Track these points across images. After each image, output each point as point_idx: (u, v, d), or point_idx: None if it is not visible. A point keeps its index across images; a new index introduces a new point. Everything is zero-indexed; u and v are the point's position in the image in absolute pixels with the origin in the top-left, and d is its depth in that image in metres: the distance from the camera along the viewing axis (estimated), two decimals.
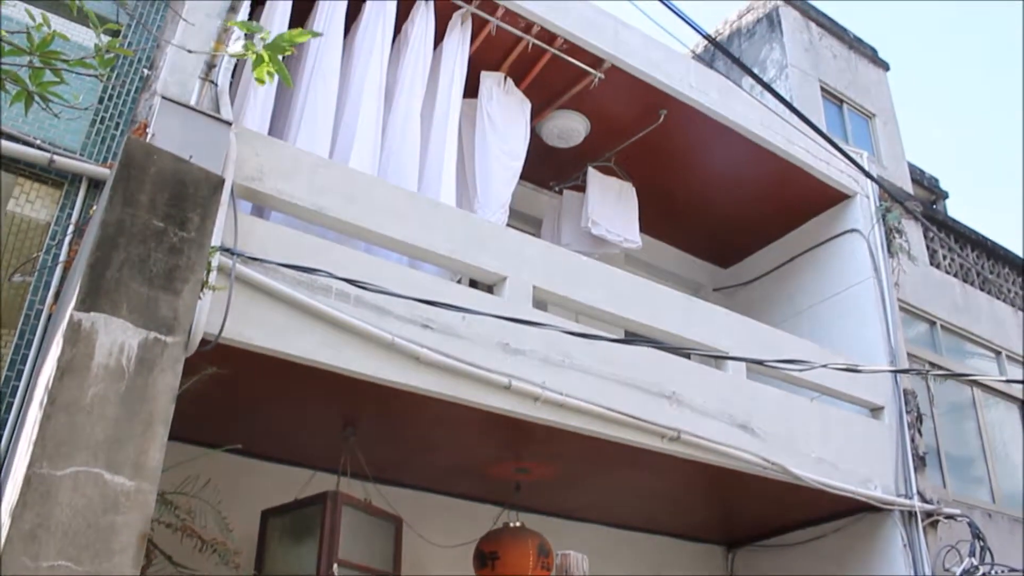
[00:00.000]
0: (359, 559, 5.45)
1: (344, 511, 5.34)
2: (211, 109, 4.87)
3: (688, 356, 6.58)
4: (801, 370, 5.84)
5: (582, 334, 5.40)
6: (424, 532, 6.21)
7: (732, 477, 6.24)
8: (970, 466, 9.05)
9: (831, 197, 8.60)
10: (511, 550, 5.90)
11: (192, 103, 4.75)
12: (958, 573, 7.03)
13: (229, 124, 4.77)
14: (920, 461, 7.32)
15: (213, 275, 4.04)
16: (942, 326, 9.38)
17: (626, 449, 5.72)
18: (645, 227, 8.09)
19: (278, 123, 6.08)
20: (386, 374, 4.91)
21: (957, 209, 31.29)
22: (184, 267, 3.41)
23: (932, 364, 8.75)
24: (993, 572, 7.11)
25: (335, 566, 5.11)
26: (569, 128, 7.62)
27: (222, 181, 3.88)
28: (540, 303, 5.88)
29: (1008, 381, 9.02)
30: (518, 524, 6.12)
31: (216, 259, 4.07)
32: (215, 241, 4.07)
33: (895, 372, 6.58)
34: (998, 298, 10.61)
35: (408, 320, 5.03)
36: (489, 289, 5.79)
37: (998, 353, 9.94)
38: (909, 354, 8.25)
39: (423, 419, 5.57)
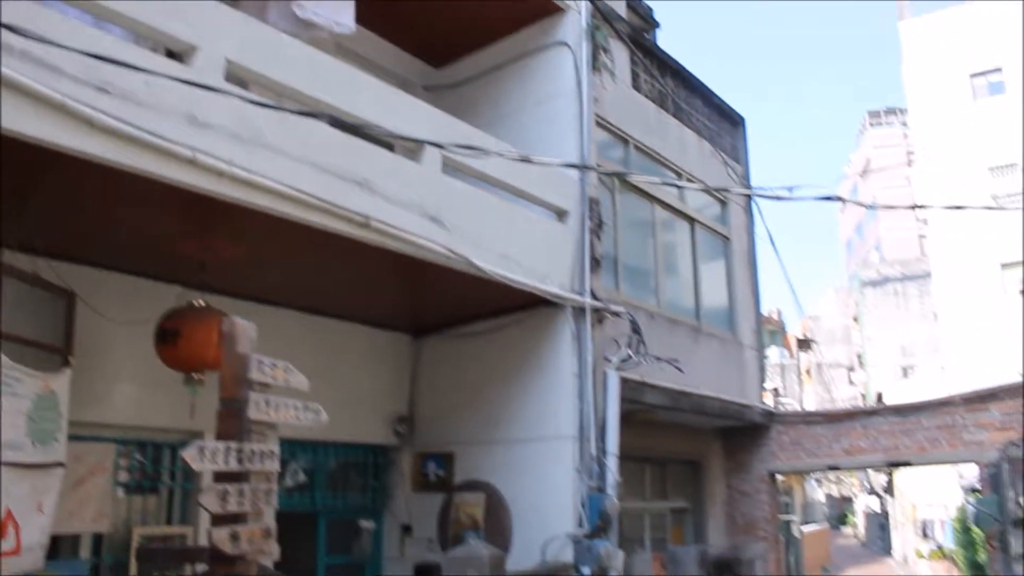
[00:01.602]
0: (25, 333, 5.21)
1: (6, 283, 5.03)
2: None
3: (392, 148, 6.62)
4: (478, 156, 6.08)
5: (270, 105, 5.24)
6: (102, 309, 5.99)
7: (420, 267, 6.48)
8: (643, 275, 10.00)
9: (546, 8, 8.70)
10: (194, 328, 5.82)
11: None
12: (615, 360, 7.90)
13: None
14: (596, 263, 7.99)
15: None
16: (635, 145, 10.05)
17: (315, 233, 5.73)
18: (360, 18, 7.84)
19: None
20: (55, 138, 4.52)
21: (665, 41, 32.99)
22: None
23: (622, 179, 9.41)
24: (642, 360, 8.05)
25: None
26: None
27: None
28: (236, 79, 5.60)
29: (663, 184, 9.81)
30: (202, 303, 6.05)
31: None
32: None
33: (564, 166, 6.99)
34: (687, 126, 11.50)
35: (83, 82, 4.63)
36: (180, 59, 5.43)
37: (679, 175, 10.85)
38: (601, 167, 8.79)
39: (102, 191, 5.24)
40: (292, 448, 7.84)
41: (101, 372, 6.28)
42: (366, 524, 8.19)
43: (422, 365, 8.76)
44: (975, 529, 16.94)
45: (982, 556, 15.94)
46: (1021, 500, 5.08)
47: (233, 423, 3.77)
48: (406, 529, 8.55)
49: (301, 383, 4.17)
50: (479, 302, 7.72)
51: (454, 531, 7.87)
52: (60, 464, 5.23)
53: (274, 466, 3.91)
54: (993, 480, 8.73)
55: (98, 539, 6.35)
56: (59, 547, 6.02)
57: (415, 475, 8.60)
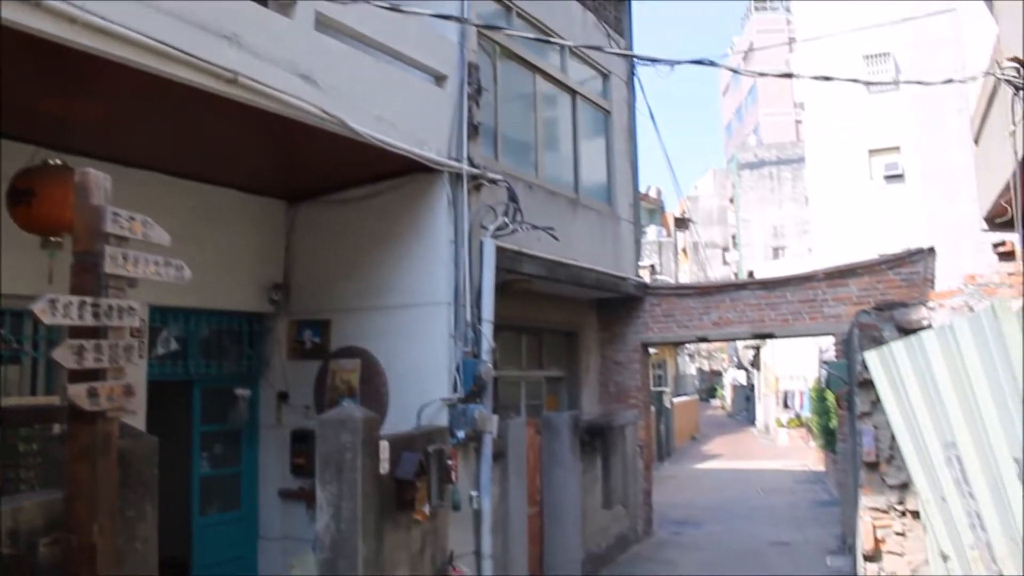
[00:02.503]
0: None
1: None
2: None
3: (264, 3, 6.27)
4: (345, 1, 5.86)
5: None
6: None
7: (293, 128, 6.25)
8: (522, 147, 9.95)
9: None
10: (49, 188, 5.51)
11: None
12: (491, 228, 7.92)
13: None
14: (474, 130, 7.91)
15: None
16: (517, 12, 9.83)
17: (181, 89, 5.43)
18: None
19: None
20: None
21: None
22: None
23: (502, 46, 9.25)
24: (517, 228, 8.09)
25: None
26: None
27: None
28: None
29: (539, 40, 9.63)
30: (58, 162, 5.73)
31: None
32: None
33: (436, 16, 6.75)
34: None
35: None
36: None
37: (563, 48, 10.72)
38: (481, 33, 8.58)
39: None
40: (164, 316, 7.67)
41: None
42: (242, 392, 8.14)
43: (297, 232, 8.59)
44: (829, 397, 18.10)
45: (833, 422, 17.07)
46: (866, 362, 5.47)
47: (88, 278, 3.61)
48: (282, 396, 8.55)
49: (162, 238, 4.02)
50: (354, 167, 7.55)
51: (330, 397, 7.92)
52: None
53: (134, 322, 3.80)
54: (845, 345, 9.28)
55: None
56: None
57: (291, 343, 8.55)
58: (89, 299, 3.57)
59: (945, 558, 4.84)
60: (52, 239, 5.78)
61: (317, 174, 7.91)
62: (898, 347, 4.84)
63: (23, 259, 6.01)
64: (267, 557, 8.58)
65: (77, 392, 3.48)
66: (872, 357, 5.12)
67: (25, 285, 6.21)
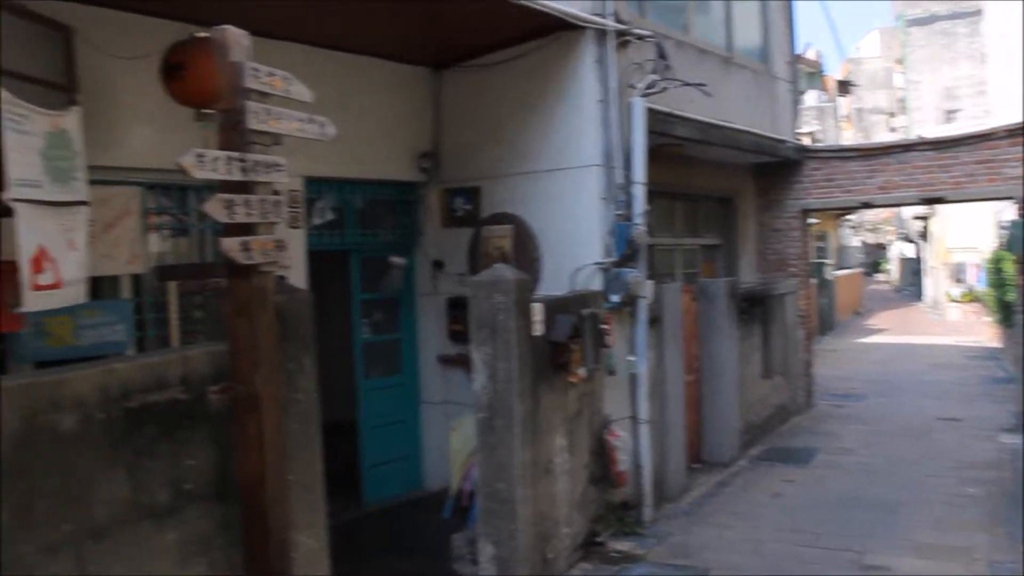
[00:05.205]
0: (27, 70, 5.02)
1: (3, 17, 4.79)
2: None
3: None
4: None
5: None
6: (101, 45, 5.77)
7: None
8: (671, 7, 9.40)
9: None
10: (199, 60, 5.51)
11: None
12: (640, 87, 7.58)
13: None
14: None
15: None
16: None
17: None
18: None
19: None
20: None
21: None
22: None
23: None
24: (667, 85, 7.71)
25: None
26: None
27: None
28: None
29: None
30: (205, 35, 5.78)
31: None
32: None
33: None
34: None
35: None
36: None
37: None
38: None
39: None
40: (319, 186, 7.83)
41: (113, 115, 6.12)
42: (397, 260, 8.26)
43: (444, 99, 8.51)
44: (1007, 268, 16.93)
45: (1011, 296, 15.94)
46: None
47: (233, 135, 3.64)
48: (437, 264, 8.67)
49: (302, 94, 4.00)
50: (496, 28, 7.30)
51: (484, 264, 7.91)
52: (83, 203, 5.17)
53: (281, 178, 3.82)
54: None
55: (137, 281, 6.43)
56: (101, 291, 6.12)
57: (443, 211, 8.60)
58: (235, 155, 3.60)
59: None
60: (204, 111, 5.88)
61: (460, 38, 7.70)
62: None
63: (180, 134, 6.15)
64: (429, 420, 8.89)
65: (231, 245, 3.55)
66: None
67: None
